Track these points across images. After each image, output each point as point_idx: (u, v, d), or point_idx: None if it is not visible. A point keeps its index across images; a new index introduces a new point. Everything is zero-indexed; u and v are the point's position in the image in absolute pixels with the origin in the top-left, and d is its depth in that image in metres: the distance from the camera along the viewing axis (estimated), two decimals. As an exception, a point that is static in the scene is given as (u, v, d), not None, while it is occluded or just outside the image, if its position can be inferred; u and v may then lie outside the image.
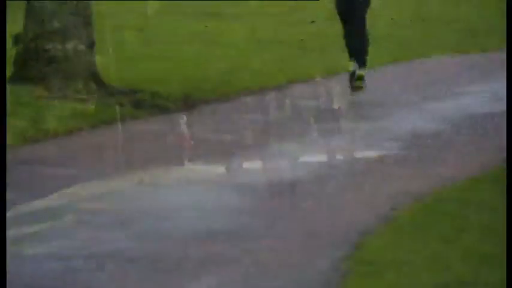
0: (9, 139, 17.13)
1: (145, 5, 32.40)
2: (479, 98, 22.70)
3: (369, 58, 24.07)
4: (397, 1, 37.99)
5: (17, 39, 22.46)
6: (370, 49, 24.25)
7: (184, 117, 20.12)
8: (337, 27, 26.74)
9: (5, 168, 10.50)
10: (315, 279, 11.93)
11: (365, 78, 23.10)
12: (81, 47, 21.75)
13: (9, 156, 15.63)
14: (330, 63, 25.77)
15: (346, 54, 24.49)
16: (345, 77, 24.07)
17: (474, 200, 15.04)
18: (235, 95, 22.55)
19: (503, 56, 23.21)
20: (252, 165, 17.16)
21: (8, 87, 20.38)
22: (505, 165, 15.87)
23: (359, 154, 17.75)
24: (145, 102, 20.93)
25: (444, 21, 35.36)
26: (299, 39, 29.50)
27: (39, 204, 14.36)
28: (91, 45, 21.85)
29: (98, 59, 22.04)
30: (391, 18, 33.75)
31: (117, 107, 20.31)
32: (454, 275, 11.82)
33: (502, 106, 19.56)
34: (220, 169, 16.62)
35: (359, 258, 12.09)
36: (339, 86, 22.12)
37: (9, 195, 13.43)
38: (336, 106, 21.16)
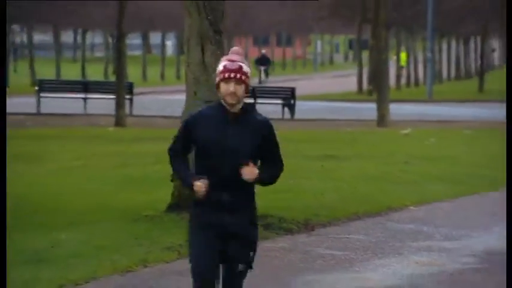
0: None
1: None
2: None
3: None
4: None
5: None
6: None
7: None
8: (426, 165, 32.39)
9: (5, 167, 10.06)
10: None
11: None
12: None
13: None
14: (421, 195, 27.75)
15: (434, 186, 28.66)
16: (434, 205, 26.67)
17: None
18: (345, 220, 23.53)
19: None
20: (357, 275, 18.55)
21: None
22: None
23: (443, 267, 19.03)
24: (274, 225, 21.89)
25: None
26: (396, 175, 31.05)
27: None
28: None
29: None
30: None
31: None
32: None
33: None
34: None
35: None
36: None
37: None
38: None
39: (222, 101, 9.96)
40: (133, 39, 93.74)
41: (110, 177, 28.57)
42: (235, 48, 9.93)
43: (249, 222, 10.21)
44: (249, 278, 15.05)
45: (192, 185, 10.02)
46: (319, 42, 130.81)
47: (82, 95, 59.92)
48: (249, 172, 9.81)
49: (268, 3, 57.01)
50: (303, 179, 30.51)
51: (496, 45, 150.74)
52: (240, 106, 9.85)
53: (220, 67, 9.85)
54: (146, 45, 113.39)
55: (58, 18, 77.46)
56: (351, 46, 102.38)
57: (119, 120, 51.75)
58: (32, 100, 61.24)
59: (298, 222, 23.09)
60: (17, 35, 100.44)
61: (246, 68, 10.03)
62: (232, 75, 9.57)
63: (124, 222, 21.21)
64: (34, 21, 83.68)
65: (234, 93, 9.72)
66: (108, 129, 47.46)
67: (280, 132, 32.47)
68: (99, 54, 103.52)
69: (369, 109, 60.44)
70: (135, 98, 57.18)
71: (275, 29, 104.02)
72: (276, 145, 9.84)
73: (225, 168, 9.95)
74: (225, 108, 9.85)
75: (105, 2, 54.86)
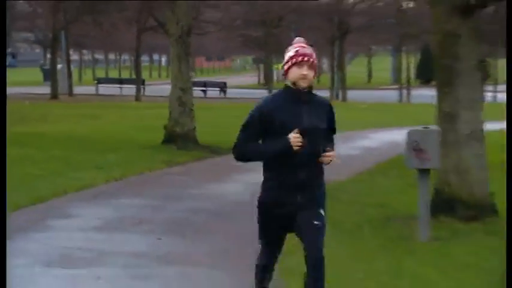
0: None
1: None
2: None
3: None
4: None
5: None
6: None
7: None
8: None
9: (5, 168, 7.90)
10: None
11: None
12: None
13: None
14: None
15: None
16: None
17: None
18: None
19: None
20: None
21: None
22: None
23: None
24: (218, 150, 22.69)
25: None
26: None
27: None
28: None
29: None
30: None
31: (203, 154, 22.51)
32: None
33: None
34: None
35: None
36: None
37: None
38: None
39: (291, 85, 6.78)
40: (144, 57, 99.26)
41: (131, 126, 29.90)
42: (299, 38, 6.93)
43: (318, 195, 6.93)
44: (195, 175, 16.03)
45: (289, 144, 6.62)
46: (239, 60, 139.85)
47: (119, 85, 65.98)
48: (332, 157, 6.79)
49: (214, 37, 60.84)
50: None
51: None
52: (308, 89, 6.80)
53: (291, 53, 6.76)
54: (150, 61, 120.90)
55: (103, 44, 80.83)
56: (254, 61, 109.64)
57: (138, 98, 53.82)
58: (93, 88, 65.97)
59: (228, 149, 23.85)
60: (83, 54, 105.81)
61: (315, 55, 6.87)
62: (306, 58, 6.63)
63: (138, 150, 22.14)
64: (94, 47, 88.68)
65: (305, 76, 6.68)
66: (132, 103, 49.54)
67: (220, 104, 35.21)
68: (127, 64, 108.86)
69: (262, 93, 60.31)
70: (146, 87, 60.70)
71: (217, 52, 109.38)
72: (334, 120, 7.03)
73: (304, 147, 6.67)
74: (296, 90, 6.75)
75: (130, 35, 59.01)
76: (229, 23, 52.77)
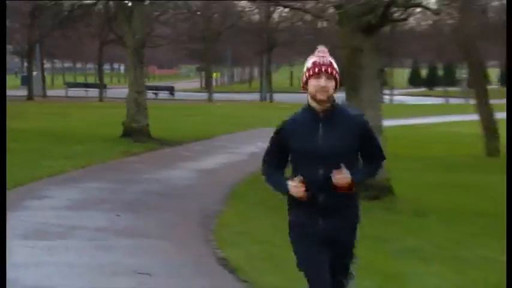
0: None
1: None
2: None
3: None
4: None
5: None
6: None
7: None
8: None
9: (5, 167, 7.15)
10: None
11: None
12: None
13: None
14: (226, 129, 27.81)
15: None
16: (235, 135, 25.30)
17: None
18: (192, 140, 23.70)
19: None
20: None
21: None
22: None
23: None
24: (168, 142, 22.42)
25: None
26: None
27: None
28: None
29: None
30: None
31: (155, 145, 22.11)
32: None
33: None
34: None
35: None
36: None
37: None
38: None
39: (310, 100, 5.09)
40: (106, 65, 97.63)
41: (95, 122, 29.42)
42: (321, 47, 5.21)
43: (348, 226, 5.10)
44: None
45: (288, 190, 5.06)
46: (184, 68, 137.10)
47: (85, 89, 65.08)
48: (341, 179, 4.96)
49: (164, 49, 60.57)
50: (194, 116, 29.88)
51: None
52: (329, 104, 5.05)
53: (309, 64, 5.09)
54: (111, 68, 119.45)
55: (71, 54, 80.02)
56: (197, 69, 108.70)
57: (101, 100, 52.73)
58: (64, 91, 65.00)
59: (176, 141, 22.95)
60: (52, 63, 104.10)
61: (335, 64, 5.14)
62: (323, 68, 4.97)
63: (101, 142, 21.77)
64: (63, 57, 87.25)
65: (324, 88, 4.98)
66: (96, 104, 48.68)
67: (169, 105, 33.80)
68: (92, 71, 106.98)
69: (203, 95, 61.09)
70: (108, 91, 59.72)
71: (167, 61, 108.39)
72: (373, 139, 5.12)
73: (320, 171, 4.95)
74: (314, 109, 5.08)
75: (94, 47, 58.47)
76: (177, 38, 52.63)
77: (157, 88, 66.49)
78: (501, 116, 22.25)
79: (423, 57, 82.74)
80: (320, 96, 5.02)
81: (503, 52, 50.40)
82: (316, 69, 5.04)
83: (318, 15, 19.39)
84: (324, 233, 5.00)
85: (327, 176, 4.92)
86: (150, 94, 46.75)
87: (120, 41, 28.78)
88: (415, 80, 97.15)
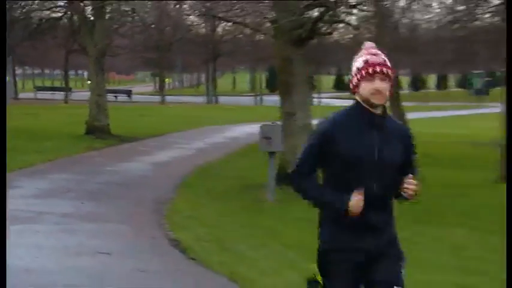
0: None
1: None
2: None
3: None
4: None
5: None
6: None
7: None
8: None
9: (5, 166, 6.25)
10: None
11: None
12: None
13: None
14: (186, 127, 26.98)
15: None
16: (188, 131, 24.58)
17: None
18: (147, 136, 23.11)
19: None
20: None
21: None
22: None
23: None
24: (126, 139, 22.15)
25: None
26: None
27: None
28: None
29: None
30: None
31: (114, 142, 21.76)
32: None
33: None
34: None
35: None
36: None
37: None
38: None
39: (361, 102, 3.69)
40: (71, 71, 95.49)
41: (62, 121, 28.78)
42: (369, 43, 3.77)
43: (390, 240, 3.75)
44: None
45: (345, 207, 3.60)
46: (140, 74, 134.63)
47: (52, 92, 63.73)
48: (413, 186, 3.63)
49: (122, 57, 59.44)
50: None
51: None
52: (382, 109, 3.68)
53: (359, 63, 3.70)
54: (76, 74, 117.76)
55: (41, 62, 77.29)
56: (152, 75, 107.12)
57: (66, 102, 52.10)
58: (33, 94, 63.53)
59: (133, 138, 22.70)
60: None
61: (389, 62, 3.66)
62: (377, 69, 3.58)
63: (67, 139, 21.41)
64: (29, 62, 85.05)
65: (379, 92, 3.61)
66: (62, 105, 48.22)
67: (127, 106, 33.37)
68: (59, 77, 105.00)
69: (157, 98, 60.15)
70: (73, 94, 58.64)
71: (125, 68, 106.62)
72: (414, 152, 3.78)
73: (375, 184, 3.61)
74: (367, 110, 3.69)
75: (60, 55, 57.59)
76: (133, 48, 52.16)
77: (117, 91, 65.56)
78: (410, 116, 22.86)
79: (346, 65, 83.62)
80: (376, 101, 3.64)
81: (411, 62, 51.23)
82: (370, 70, 3.66)
83: (256, 29, 19.70)
84: (372, 253, 3.65)
85: (381, 190, 3.63)
86: (110, 97, 46.07)
87: (84, 50, 28.33)
88: (339, 85, 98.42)
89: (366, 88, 3.65)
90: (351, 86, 3.73)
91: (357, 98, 3.68)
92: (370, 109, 3.65)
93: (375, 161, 3.62)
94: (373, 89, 3.62)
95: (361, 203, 3.54)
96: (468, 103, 66.02)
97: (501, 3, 17.91)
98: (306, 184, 3.70)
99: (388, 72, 3.64)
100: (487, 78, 71.20)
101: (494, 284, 6.27)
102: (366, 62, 3.67)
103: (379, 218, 3.66)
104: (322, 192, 3.67)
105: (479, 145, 22.86)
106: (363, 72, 3.66)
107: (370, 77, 3.63)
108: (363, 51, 3.71)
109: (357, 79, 3.68)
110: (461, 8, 19.35)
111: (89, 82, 25.09)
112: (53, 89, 69.17)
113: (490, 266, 6.93)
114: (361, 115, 3.66)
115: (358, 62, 3.71)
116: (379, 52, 3.68)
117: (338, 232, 3.66)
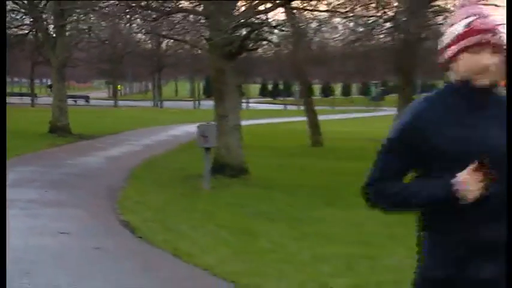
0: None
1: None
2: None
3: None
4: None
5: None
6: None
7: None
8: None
9: (5, 168, 5.09)
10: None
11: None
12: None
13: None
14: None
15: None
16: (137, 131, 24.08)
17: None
18: (106, 134, 22.45)
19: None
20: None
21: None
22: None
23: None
24: (84, 137, 21.63)
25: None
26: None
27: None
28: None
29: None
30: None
31: (74, 139, 21.31)
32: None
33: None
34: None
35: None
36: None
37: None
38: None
39: (460, 81, 1.74)
40: (37, 80, 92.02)
41: (29, 122, 27.78)
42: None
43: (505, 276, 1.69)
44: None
45: (452, 193, 1.68)
46: (96, 82, 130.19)
47: (20, 97, 62.22)
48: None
49: (81, 68, 57.53)
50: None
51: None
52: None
53: (460, 26, 1.74)
54: (41, 82, 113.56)
55: (9, 71, 74.87)
56: (106, 83, 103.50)
57: (33, 105, 51.73)
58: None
59: (90, 136, 21.95)
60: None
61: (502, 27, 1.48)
62: (490, 35, 1.60)
63: (32, 137, 20.76)
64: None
65: (492, 67, 1.67)
66: (29, 108, 46.69)
67: (85, 109, 32.98)
68: (26, 84, 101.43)
69: (111, 102, 59.24)
70: (38, 99, 57.22)
71: (83, 77, 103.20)
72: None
73: (494, 184, 1.61)
74: (466, 89, 1.76)
75: (27, 66, 55.95)
76: (90, 60, 51.22)
77: (76, 97, 64.32)
78: (321, 117, 23.30)
79: (269, 75, 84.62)
80: (485, 81, 2.04)
81: (322, 73, 52.26)
82: (479, 37, 2.04)
83: (194, 45, 19.61)
84: (485, 284, 2.04)
85: (502, 191, 2.03)
86: (70, 101, 45.24)
87: (47, 62, 27.63)
88: (263, 92, 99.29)
89: (472, 62, 2.05)
90: (444, 57, 2.08)
91: (452, 76, 2.08)
92: (473, 88, 2.05)
93: (490, 153, 2.00)
94: (483, 64, 2.03)
95: (478, 177, 1.95)
96: (367, 107, 67.82)
97: (392, 27, 18.68)
98: (382, 188, 2.10)
99: (499, 41, 2.04)
100: (382, 87, 73.30)
101: (388, 253, 6.38)
102: (471, 24, 2.06)
103: (502, 233, 2.04)
104: (414, 185, 2.07)
105: (376, 141, 23.73)
106: (468, 40, 2.05)
107: (479, 47, 2.03)
108: (464, 9, 2.07)
109: (456, 50, 2.06)
110: (361, 29, 19.95)
111: (50, 89, 24.26)
112: (21, 95, 67.05)
113: (385, 239, 7.09)
114: (459, 96, 2.06)
115: (458, 25, 2.07)
116: (489, 9, 2.22)
117: (446, 255, 2.04)
